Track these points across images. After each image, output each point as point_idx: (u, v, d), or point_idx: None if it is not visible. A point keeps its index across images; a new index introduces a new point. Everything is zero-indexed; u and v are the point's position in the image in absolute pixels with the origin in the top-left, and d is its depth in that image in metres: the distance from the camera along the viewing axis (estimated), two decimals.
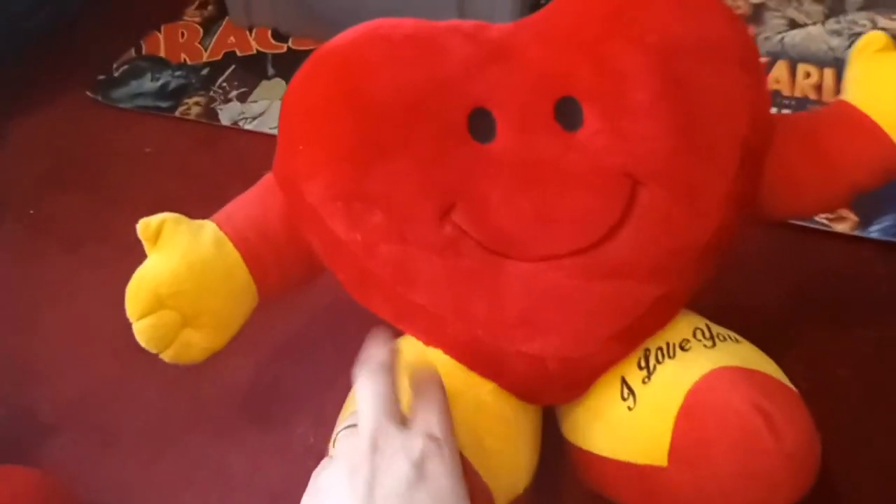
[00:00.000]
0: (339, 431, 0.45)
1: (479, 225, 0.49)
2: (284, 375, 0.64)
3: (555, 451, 0.54)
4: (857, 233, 0.70)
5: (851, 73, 0.54)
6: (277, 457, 0.59)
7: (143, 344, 0.51)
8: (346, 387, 0.54)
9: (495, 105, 0.50)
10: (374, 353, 0.47)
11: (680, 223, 0.50)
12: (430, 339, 0.52)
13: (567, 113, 0.50)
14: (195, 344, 0.51)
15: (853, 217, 0.71)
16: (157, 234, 0.51)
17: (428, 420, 0.44)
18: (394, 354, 0.47)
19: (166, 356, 0.51)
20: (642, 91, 0.50)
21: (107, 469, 0.60)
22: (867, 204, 0.71)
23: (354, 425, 0.44)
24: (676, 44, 0.50)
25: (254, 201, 0.55)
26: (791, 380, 0.50)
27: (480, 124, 0.50)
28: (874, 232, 0.70)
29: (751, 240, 0.65)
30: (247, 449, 0.60)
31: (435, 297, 0.50)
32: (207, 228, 0.53)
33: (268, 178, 0.55)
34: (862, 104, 0.53)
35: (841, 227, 0.70)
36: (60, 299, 0.72)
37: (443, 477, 0.41)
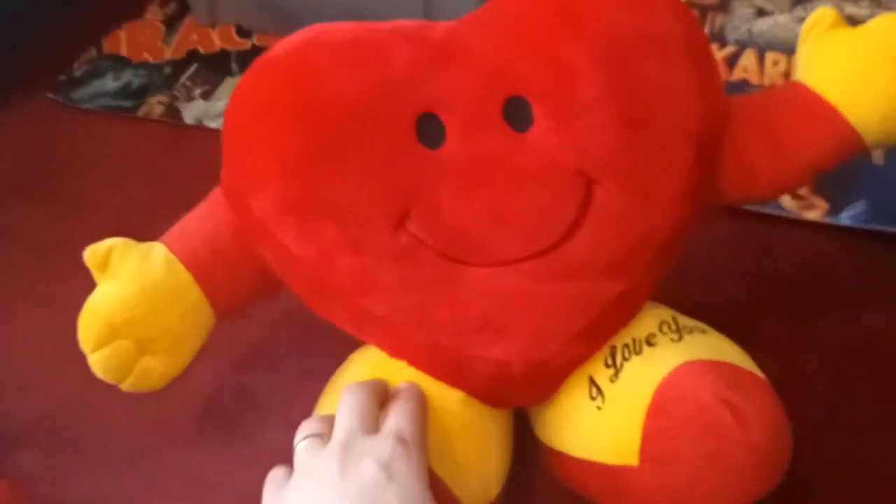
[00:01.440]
0: (301, 441, 0.45)
1: (435, 232, 0.48)
2: (250, 382, 0.63)
3: (529, 448, 0.53)
4: (827, 220, 0.69)
5: (802, 51, 0.53)
6: (247, 462, 0.57)
7: (100, 376, 0.50)
8: (314, 392, 0.54)
9: (443, 109, 0.49)
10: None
11: (637, 219, 0.49)
12: (393, 349, 0.51)
13: (516, 113, 0.49)
14: (153, 370, 0.50)
15: (823, 204, 0.69)
16: (105, 262, 0.50)
17: (399, 422, 0.44)
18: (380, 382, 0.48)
19: (125, 386, 0.50)
20: (589, 87, 0.48)
21: (75, 480, 0.59)
22: (837, 191, 0.70)
23: (314, 435, 0.45)
24: (622, 37, 0.49)
25: (204, 217, 0.53)
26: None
27: (429, 130, 0.49)
28: (844, 219, 0.68)
29: (719, 229, 0.64)
30: (216, 455, 0.59)
31: (395, 308, 0.49)
32: (157, 250, 0.51)
33: (218, 190, 0.54)
34: (813, 83, 0.51)
35: (811, 215, 0.69)
36: (26, 309, 0.70)
37: (408, 477, 0.41)
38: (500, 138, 0.49)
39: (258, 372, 0.64)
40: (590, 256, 0.48)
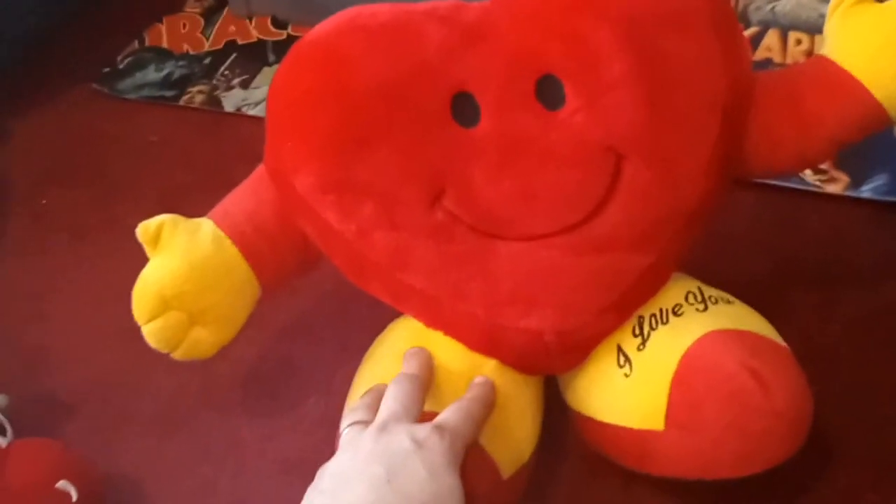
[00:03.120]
0: (346, 427, 0.46)
1: (469, 208, 0.48)
2: (293, 352, 0.63)
3: (559, 413, 0.53)
4: (848, 193, 0.67)
5: (829, 27, 0.52)
6: (289, 427, 0.58)
7: (153, 345, 0.51)
8: (355, 361, 0.54)
9: (477, 88, 0.49)
10: (410, 364, 0.49)
11: (665, 193, 0.49)
12: (430, 320, 0.51)
13: (548, 92, 0.49)
14: (204, 340, 0.51)
15: (844, 178, 0.68)
16: (156, 237, 0.50)
17: (447, 417, 0.44)
18: (430, 371, 0.48)
19: (177, 355, 0.51)
20: (615, 64, 0.48)
21: (123, 446, 0.60)
22: (858, 164, 0.68)
23: (360, 422, 0.45)
24: (646, 13, 0.49)
25: (248, 194, 0.54)
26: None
27: (464, 108, 0.49)
28: (866, 192, 0.67)
29: (742, 203, 0.63)
30: (258, 422, 0.60)
31: (431, 281, 0.49)
32: (205, 227, 0.52)
33: (260, 170, 0.54)
34: (839, 58, 0.50)
35: (832, 188, 0.68)
36: (69, 288, 0.71)
37: (437, 452, 0.42)
38: (533, 117, 0.49)
39: (300, 343, 0.64)
40: (618, 230, 0.48)
